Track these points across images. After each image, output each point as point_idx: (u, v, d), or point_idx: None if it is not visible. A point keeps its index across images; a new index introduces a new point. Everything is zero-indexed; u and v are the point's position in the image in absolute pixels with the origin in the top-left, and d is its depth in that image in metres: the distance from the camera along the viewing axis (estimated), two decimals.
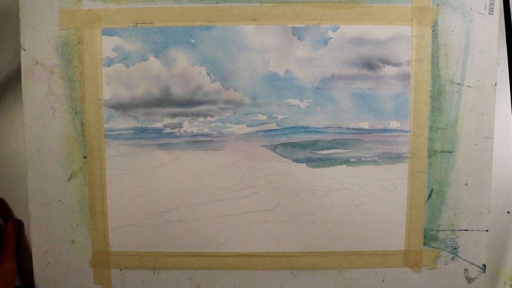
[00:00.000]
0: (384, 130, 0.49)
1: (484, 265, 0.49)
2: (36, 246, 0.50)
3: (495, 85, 0.48)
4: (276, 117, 0.49)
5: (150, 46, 0.49)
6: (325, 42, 0.48)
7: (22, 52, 0.49)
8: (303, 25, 0.48)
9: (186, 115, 0.49)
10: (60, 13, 0.48)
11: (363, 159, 0.49)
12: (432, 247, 0.49)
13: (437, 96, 0.48)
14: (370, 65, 0.48)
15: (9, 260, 0.49)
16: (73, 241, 0.50)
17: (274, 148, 0.49)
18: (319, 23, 0.48)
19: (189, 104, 0.49)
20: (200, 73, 0.49)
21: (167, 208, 0.49)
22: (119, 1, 0.48)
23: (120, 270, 0.50)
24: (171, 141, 0.49)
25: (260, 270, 0.50)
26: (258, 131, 0.49)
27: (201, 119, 0.49)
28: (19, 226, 0.51)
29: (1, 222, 0.52)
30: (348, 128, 0.49)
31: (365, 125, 0.49)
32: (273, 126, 0.49)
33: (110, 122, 0.49)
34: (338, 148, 0.49)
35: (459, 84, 0.48)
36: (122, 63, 0.49)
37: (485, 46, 0.48)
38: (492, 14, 0.48)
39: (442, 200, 0.49)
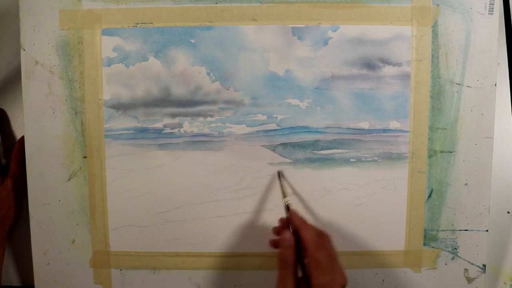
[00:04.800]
0: (384, 130, 0.49)
1: (484, 265, 0.49)
2: (36, 246, 0.50)
3: (495, 85, 0.48)
4: (276, 117, 0.49)
5: (150, 46, 0.49)
6: (325, 42, 0.48)
7: (22, 52, 0.49)
8: (303, 25, 0.48)
9: (186, 115, 0.49)
10: (60, 13, 0.48)
11: (363, 159, 0.49)
12: (432, 247, 0.49)
13: (437, 96, 0.48)
14: (370, 65, 0.48)
15: (13, 179, 0.50)
16: (73, 241, 0.50)
17: (274, 148, 0.49)
18: (319, 23, 0.48)
19: (189, 104, 0.49)
20: (200, 73, 0.49)
21: (167, 208, 0.49)
22: (119, 1, 0.48)
23: (120, 270, 0.50)
24: (171, 141, 0.49)
25: (260, 270, 0.50)
26: (258, 131, 0.49)
27: (201, 119, 0.49)
28: (1, 115, 0.52)
29: None
30: (348, 128, 0.49)
31: (365, 125, 0.49)
32: (273, 126, 0.49)
33: (110, 122, 0.49)
34: (338, 148, 0.49)
35: (459, 84, 0.48)
36: (122, 63, 0.49)
37: (485, 46, 0.48)
38: (492, 14, 0.48)
39: (442, 200, 0.49)
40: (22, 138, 0.50)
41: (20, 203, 0.51)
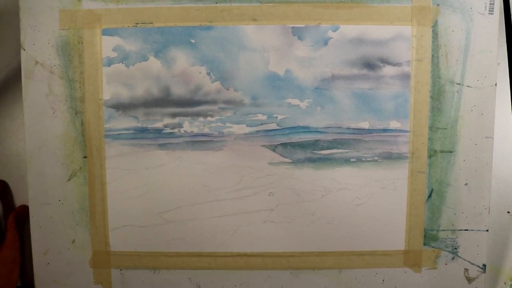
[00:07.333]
0: (384, 130, 0.49)
1: (484, 265, 0.49)
2: (36, 246, 0.50)
3: (495, 85, 0.48)
4: (276, 117, 0.49)
5: (150, 46, 0.49)
6: (325, 42, 0.48)
7: (22, 52, 0.49)
8: (303, 25, 0.48)
9: (186, 115, 0.49)
10: (60, 13, 0.48)
11: (363, 159, 0.49)
12: (432, 247, 0.49)
13: (437, 96, 0.48)
14: (370, 65, 0.48)
15: (9, 248, 0.49)
16: (73, 241, 0.50)
17: (274, 148, 0.49)
18: (319, 23, 0.48)
19: (189, 104, 0.49)
20: (200, 73, 0.49)
21: (167, 208, 0.49)
22: (119, 1, 0.48)
23: (120, 270, 0.50)
24: (171, 141, 0.49)
25: (260, 270, 0.50)
26: (258, 131, 0.49)
27: (201, 119, 0.49)
28: (25, 212, 0.51)
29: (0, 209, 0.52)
30: (348, 128, 0.49)
31: (365, 125, 0.49)
32: (273, 126, 0.49)
33: (110, 122, 0.49)
34: (338, 148, 0.49)
35: (459, 84, 0.48)
36: (122, 63, 0.49)
37: (485, 46, 0.48)
38: (492, 14, 0.48)
39: (442, 200, 0.49)
40: (20, 207, 0.51)
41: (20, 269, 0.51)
